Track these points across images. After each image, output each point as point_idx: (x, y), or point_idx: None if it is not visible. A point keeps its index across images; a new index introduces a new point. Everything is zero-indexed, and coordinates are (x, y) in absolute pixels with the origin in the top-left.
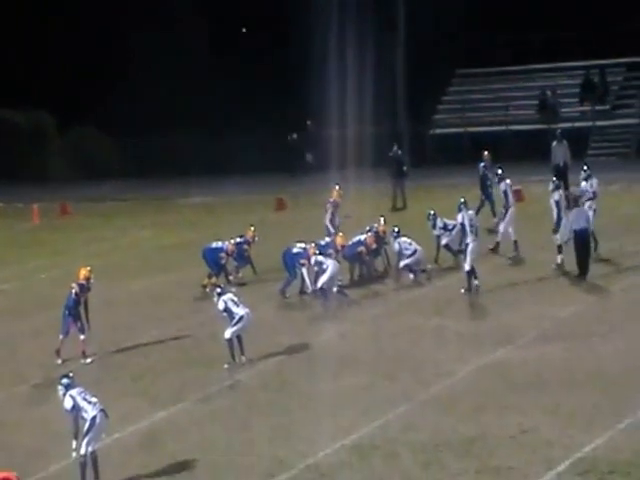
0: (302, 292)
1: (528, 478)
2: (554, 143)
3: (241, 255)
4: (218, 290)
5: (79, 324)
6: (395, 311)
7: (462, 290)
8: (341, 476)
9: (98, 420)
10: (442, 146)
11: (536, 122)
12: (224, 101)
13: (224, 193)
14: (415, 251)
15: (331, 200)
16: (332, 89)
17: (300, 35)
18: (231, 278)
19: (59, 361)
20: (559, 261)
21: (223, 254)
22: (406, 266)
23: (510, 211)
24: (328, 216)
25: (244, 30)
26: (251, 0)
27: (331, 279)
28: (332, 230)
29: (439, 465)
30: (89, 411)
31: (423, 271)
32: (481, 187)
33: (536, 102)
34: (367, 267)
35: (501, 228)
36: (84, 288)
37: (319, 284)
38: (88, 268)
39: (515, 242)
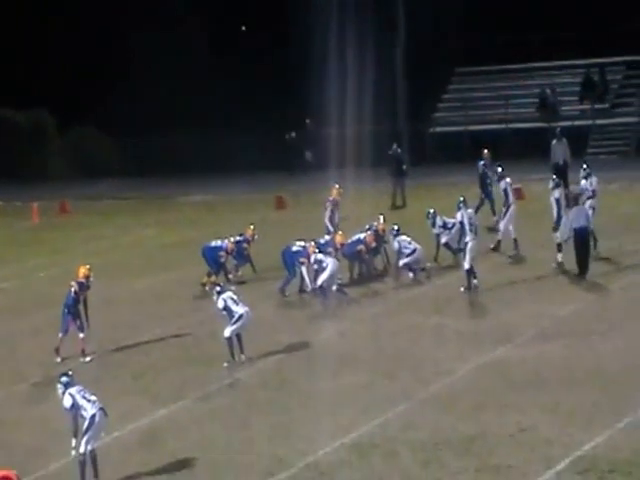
0: (302, 290)
1: (527, 477)
2: (554, 141)
3: (241, 253)
4: (218, 288)
5: (78, 322)
6: (395, 310)
7: (462, 289)
8: (341, 475)
9: (97, 418)
10: (442, 144)
11: (536, 120)
12: (224, 101)
13: (224, 192)
14: (415, 250)
15: (331, 199)
16: (332, 89)
17: (300, 35)
18: (230, 277)
19: (58, 359)
20: (559, 259)
21: (223, 252)
22: (406, 265)
23: (510, 209)
24: (327, 214)
25: (244, 29)
26: (251, 0)
27: (331, 277)
28: (331, 229)
29: (439, 464)
30: (88, 409)
31: (423, 270)
32: (481, 185)
33: (536, 100)
34: (367, 266)
35: (501, 226)
36: (83, 286)
37: (319, 282)
38: (87, 266)
39: (515, 240)
